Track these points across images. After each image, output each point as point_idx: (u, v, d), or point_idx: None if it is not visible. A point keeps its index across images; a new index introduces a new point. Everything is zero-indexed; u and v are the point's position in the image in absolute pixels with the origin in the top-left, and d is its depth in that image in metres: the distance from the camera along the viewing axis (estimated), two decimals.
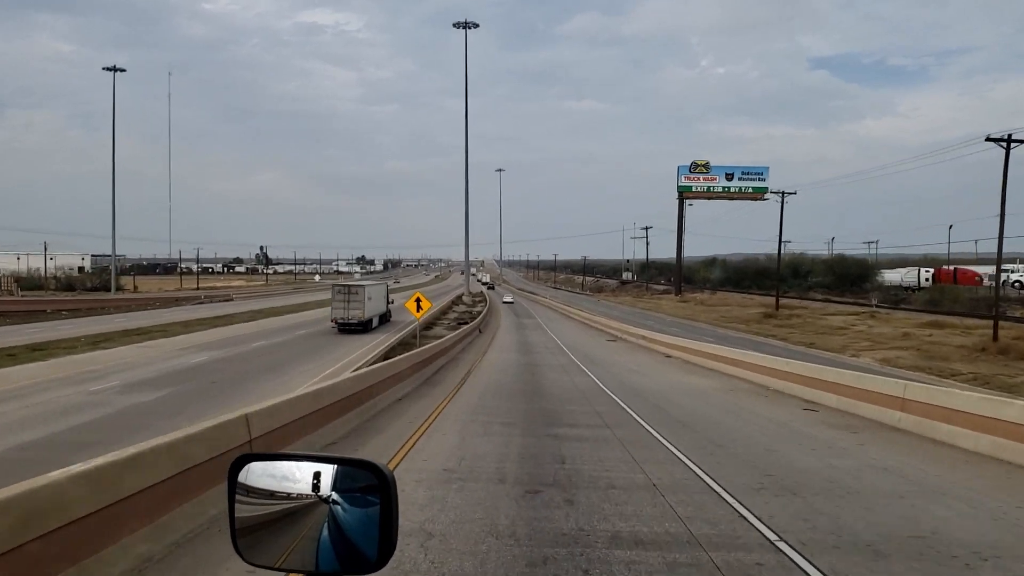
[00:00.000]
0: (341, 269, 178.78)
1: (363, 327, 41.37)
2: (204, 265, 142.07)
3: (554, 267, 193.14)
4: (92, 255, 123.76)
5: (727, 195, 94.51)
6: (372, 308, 44.88)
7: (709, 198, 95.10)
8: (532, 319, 51.75)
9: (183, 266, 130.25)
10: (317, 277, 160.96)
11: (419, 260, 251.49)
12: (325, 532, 1.39)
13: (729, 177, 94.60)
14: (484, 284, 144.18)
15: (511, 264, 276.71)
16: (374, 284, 49.38)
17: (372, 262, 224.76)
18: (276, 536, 1.35)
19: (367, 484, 1.42)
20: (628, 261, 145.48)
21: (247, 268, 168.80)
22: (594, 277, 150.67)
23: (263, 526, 1.36)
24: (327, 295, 65.20)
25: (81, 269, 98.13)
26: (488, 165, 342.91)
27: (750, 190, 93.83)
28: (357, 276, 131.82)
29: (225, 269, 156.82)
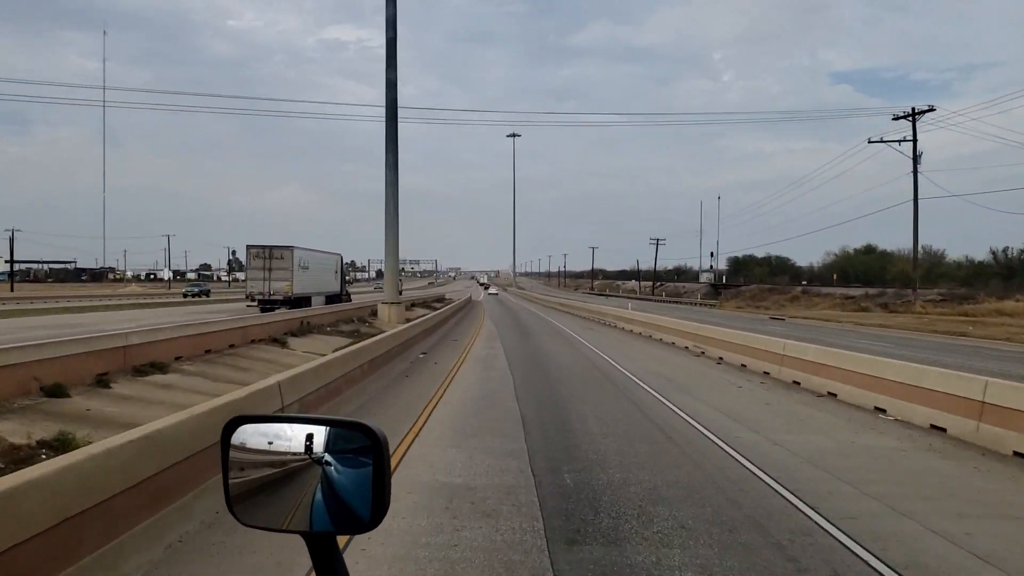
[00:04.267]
0: None
1: (291, 307, 32.64)
2: (150, 271, 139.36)
3: (592, 272, 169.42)
4: (5, 260, 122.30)
5: None
6: (309, 282, 36.85)
7: None
8: None
9: (125, 273, 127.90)
10: (190, 275, 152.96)
11: (416, 268, 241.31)
12: (318, 493, 1.58)
13: None
14: (482, 285, 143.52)
15: (529, 275, 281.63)
16: (316, 252, 40.10)
17: (363, 268, 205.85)
18: (270, 497, 1.54)
19: (360, 446, 1.60)
20: (712, 255, 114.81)
21: (200, 275, 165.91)
22: (652, 282, 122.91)
23: (257, 487, 1.50)
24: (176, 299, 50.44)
25: None
26: (505, 181, 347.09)
27: None
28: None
29: (173, 276, 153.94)
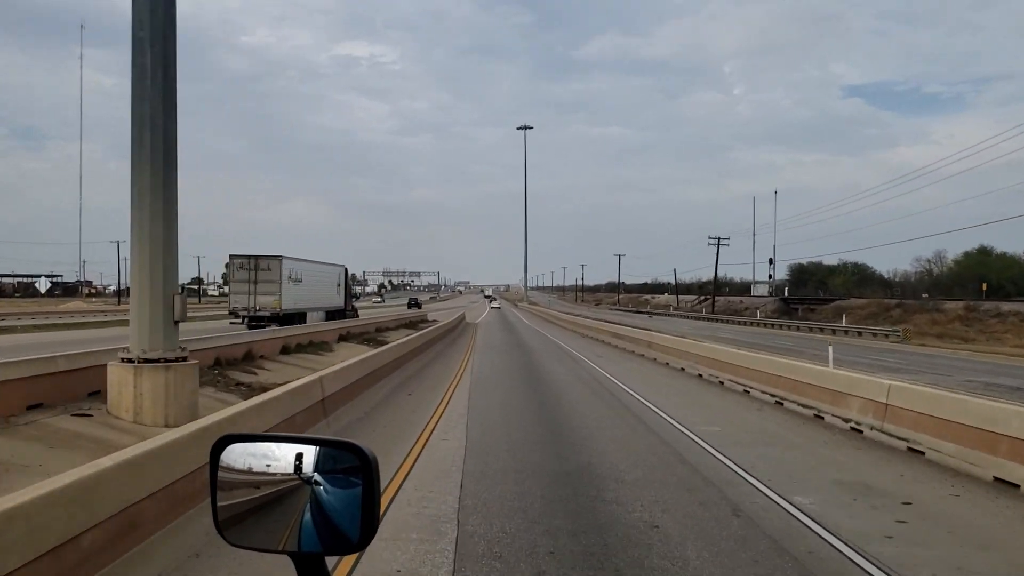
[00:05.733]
0: None
1: (281, 324, 29.59)
2: (127, 287, 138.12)
3: (618, 285, 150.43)
4: None
5: None
6: (302, 296, 33.74)
7: None
8: None
9: (101, 287, 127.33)
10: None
11: (418, 281, 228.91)
12: (307, 514, 1.63)
13: None
14: (487, 298, 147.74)
15: (542, 289, 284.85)
16: (312, 263, 36.27)
17: (363, 282, 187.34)
18: (259, 517, 1.59)
19: (349, 466, 1.66)
20: (772, 262, 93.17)
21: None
22: (712, 296, 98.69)
23: (246, 508, 1.52)
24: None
25: None
26: (515, 194, 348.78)
27: None
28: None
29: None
